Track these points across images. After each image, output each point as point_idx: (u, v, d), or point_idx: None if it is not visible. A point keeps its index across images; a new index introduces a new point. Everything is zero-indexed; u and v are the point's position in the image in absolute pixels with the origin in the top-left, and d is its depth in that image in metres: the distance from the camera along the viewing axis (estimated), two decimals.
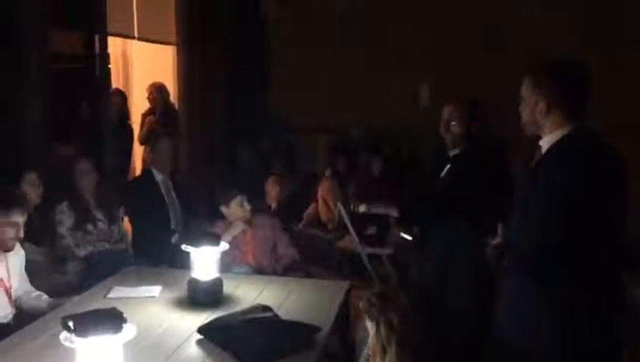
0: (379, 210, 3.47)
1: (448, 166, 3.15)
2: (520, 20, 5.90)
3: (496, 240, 2.21)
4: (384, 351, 1.74)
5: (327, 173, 5.53)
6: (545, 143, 2.12)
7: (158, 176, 4.21)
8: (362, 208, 3.56)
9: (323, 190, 5.42)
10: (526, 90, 2.14)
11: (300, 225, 5.48)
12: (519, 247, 2.10)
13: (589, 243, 1.99)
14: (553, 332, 2.03)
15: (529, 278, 2.07)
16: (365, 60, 6.43)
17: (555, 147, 2.08)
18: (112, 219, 3.93)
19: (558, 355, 2.04)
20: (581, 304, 2.01)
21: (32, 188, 3.50)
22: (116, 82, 6.10)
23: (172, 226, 4.16)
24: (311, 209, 5.59)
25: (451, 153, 3.15)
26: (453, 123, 3.07)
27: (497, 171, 3.11)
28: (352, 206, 3.48)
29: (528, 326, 2.07)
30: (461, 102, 3.13)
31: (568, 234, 1.97)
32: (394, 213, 3.27)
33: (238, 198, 3.62)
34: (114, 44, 5.77)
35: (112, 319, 1.76)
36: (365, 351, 1.95)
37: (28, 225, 3.15)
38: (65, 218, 3.69)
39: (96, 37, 4.82)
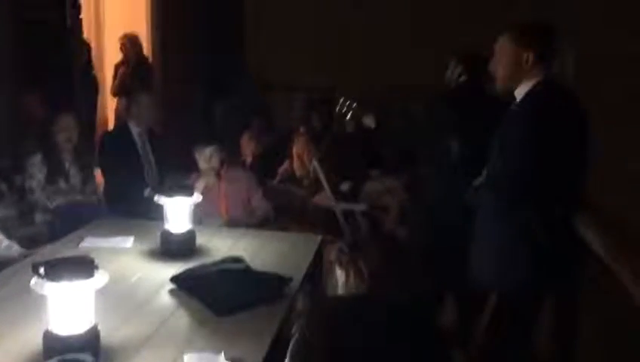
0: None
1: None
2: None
3: (478, 181, 2.32)
4: None
5: (302, 129, 5.50)
6: (519, 93, 2.19)
7: (135, 130, 4.12)
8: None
9: (298, 146, 5.41)
10: (504, 44, 2.18)
11: (275, 181, 5.48)
12: (495, 188, 2.22)
13: (550, 190, 2.10)
14: (522, 265, 2.17)
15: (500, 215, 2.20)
16: (351, 20, 6.30)
17: (528, 96, 2.16)
18: (87, 178, 3.89)
19: (527, 287, 2.18)
20: (541, 244, 2.13)
21: None
22: (87, 31, 5.94)
23: (146, 180, 4.13)
24: (286, 165, 5.58)
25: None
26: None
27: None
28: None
29: (501, 258, 2.21)
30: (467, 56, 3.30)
31: (530, 182, 2.08)
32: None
33: (209, 150, 3.64)
34: None
35: (84, 265, 1.75)
36: None
37: None
38: (36, 171, 3.62)
39: None
